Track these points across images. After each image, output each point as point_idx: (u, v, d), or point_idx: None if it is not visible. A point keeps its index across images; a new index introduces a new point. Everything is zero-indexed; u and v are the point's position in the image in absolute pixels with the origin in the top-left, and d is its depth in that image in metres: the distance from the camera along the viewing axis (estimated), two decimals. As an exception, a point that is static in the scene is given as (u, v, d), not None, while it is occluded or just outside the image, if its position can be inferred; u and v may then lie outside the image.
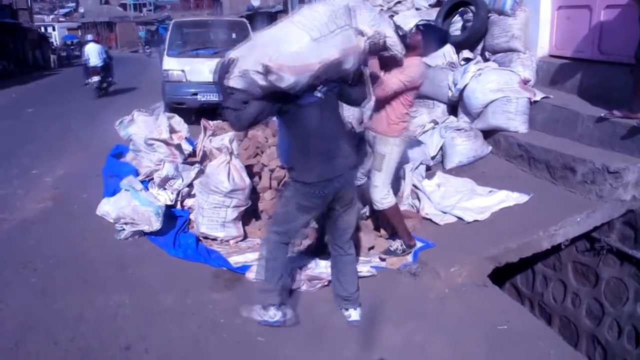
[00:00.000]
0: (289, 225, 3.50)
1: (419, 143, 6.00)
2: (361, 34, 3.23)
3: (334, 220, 3.55)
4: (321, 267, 4.15)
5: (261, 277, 3.65)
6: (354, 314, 3.70)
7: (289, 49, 2.96)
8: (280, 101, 3.15)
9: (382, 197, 4.27)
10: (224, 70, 3.14)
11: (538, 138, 5.73)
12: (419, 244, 4.60)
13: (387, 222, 4.65)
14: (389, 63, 3.94)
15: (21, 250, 4.82)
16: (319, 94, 3.19)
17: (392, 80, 3.96)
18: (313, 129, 3.21)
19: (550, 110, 5.88)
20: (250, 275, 4.22)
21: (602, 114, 5.16)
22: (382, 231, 4.80)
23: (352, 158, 3.47)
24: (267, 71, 2.95)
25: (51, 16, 67.33)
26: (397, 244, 4.45)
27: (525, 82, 6.19)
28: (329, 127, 3.28)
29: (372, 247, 4.61)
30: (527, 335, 3.60)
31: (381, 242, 4.68)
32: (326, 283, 4.13)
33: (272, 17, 25.88)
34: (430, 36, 4.08)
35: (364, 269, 4.24)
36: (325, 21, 3.01)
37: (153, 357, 3.36)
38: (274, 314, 3.58)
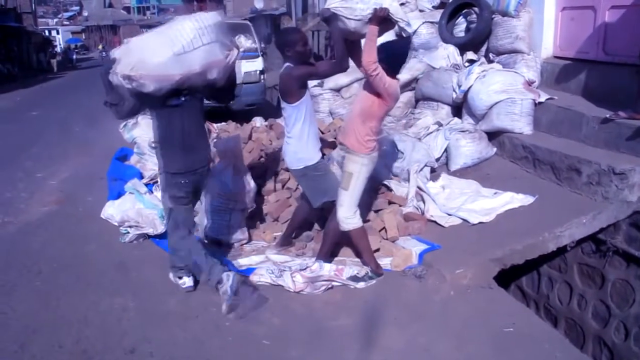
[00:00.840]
0: (182, 221, 3.92)
1: (422, 145, 5.99)
2: (236, 47, 3.91)
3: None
4: (325, 270, 4.14)
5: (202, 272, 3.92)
6: (187, 281, 4.09)
7: (152, 60, 3.36)
8: (147, 101, 3.63)
9: (347, 217, 4.06)
10: (107, 66, 3.52)
11: (543, 139, 5.71)
12: (422, 247, 4.59)
13: (353, 245, 4.43)
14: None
15: (26, 253, 4.83)
16: (182, 99, 3.63)
17: (382, 70, 3.77)
18: (176, 127, 3.69)
19: (555, 112, 5.86)
20: (255, 277, 4.22)
21: (607, 115, 5.15)
22: (389, 233, 4.79)
23: (209, 153, 4.04)
24: (129, 79, 3.37)
25: (55, 20, 67.49)
26: (364, 271, 4.25)
27: (529, 83, 6.18)
28: (191, 126, 3.75)
29: (378, 250, 4.60)
30: (532, 337, 3.59)
31: (386, 244, 4.67)
32: (330, 286, 4.13)
33: (275, 20, 25.92)
34: (390, 57, 3.94)
35: (361, 271, 4.24)
36: (191, 38, 3.41)
37: (157, 359, 3.36)
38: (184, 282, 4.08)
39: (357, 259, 4.48)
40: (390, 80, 3.83)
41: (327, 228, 4.32)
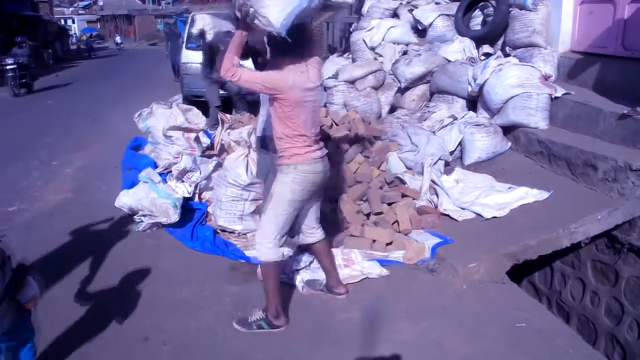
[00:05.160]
0: None
1: (436, 138, 5.96)
2: None
3: None
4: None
5: None
6: None
7: None
8: None
9: (259, 243, 3.50)
10: None
11: (558, 134, 5.66)
12: (435, 240, 4.58)
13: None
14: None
15: (40, 240, 4.87)
16: None
17: (249, 71, 3.35)
18: None
19: (572, 107, 5.80)
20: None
21: (625, 111, 5.08)
22: (401, 226, 4.78)
23: None
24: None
25: (71, 9, 67.86)
26: (257, 315, 3.58)
27: (546, 77, 6.11)
28: None
29: (390, 243, 4.60)
30: (545, 333, 3.57)
31: (399, 237, 4.66)
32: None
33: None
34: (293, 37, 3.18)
35: (374, 270, 4.20)
36: None
37: (170, 348, 3.39)
38: None
39: (370, 251, 4.48)
40: (264, 74, 3.36)
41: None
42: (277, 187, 3.43)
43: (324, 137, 5.74)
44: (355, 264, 4.18)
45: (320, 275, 4.06)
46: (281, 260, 3.53)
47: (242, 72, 3.24)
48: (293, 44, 3.17)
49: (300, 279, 4.09)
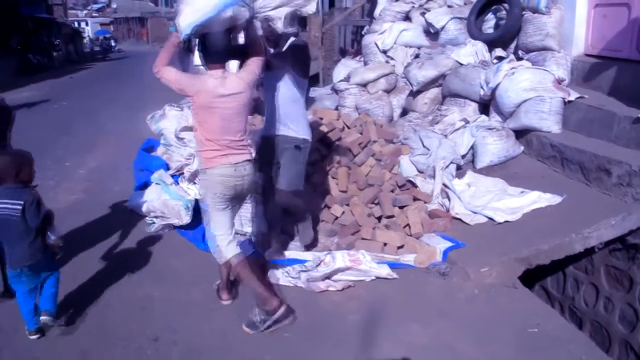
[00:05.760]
0: None
1: (448, 141, 5.94)
2: None
3: None
4: (338, 261, 4.08)
5: None
6: None
7: None
8: None
9: (214, 246, 3.63)
10: None
11: (572, 139, 5.62)
12: (447, 244, 4.55)
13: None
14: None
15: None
16: None
17: (168, 71, 3.44)
18: None
19: (585, 111, 5.76)
20: (272, 280, 4.21)
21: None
22: (412, 229, 4.77)
23: None
24: None
25: (84, 11, 68.42)
26: (257, 313, 3.57)
27: (559, 81, 6.07)
28: None
29: (402, 246, 4.58)
30: (557, 338, 3.54)
31: (410, 241, 4.65)
32: (352, 284, 4.11)
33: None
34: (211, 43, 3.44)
35: (382, 271, 4.17)
36: None
37: (181, 348, 3.40)
38: None
39: (381, 254, 4.46)
40: (177, 76, 3.42)
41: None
42: (201, 192, 3.61)
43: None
44: (362, 264, 4.15)
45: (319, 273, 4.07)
46: (239, 253, 3.60)
47: (163, 71, 3.41)
48: (206, 50, 3.45)
49: (305, 277, 4.10)
